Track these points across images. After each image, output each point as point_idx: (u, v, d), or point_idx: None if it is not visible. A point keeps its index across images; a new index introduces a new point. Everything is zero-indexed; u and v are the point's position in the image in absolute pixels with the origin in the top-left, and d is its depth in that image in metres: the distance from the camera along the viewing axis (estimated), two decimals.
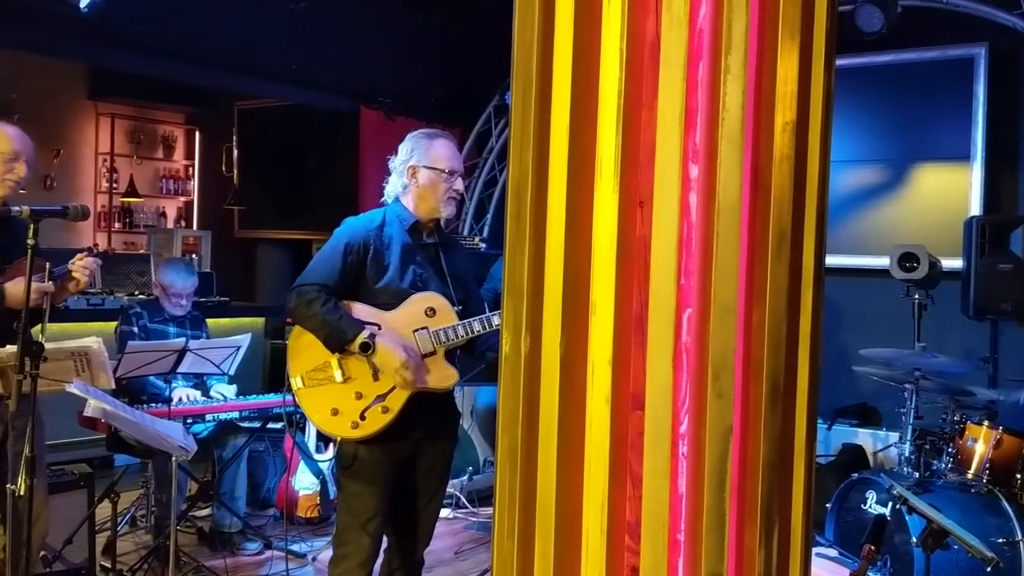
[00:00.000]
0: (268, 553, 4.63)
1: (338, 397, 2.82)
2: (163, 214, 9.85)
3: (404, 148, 3.02)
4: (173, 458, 3.12)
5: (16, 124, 3.45)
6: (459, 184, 2.99)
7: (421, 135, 3.03)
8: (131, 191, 9.11)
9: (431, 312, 2.90)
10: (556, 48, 1.43)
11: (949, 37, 5.81)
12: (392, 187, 3.03)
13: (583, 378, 1.43)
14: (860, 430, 5.87)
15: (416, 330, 2.87)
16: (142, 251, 8.57)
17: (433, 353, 2.88)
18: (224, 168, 9.02)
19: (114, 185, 9.28)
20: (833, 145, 5.71)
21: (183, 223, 9.92)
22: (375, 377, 2.83)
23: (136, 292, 6.68)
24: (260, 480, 5.36)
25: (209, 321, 5.04)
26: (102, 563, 4.19)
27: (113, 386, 2.94)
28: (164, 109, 9.66)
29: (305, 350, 2.85)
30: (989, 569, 2.84)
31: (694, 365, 1.38)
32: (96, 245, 8.43)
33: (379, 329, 2.82)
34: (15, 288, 2.94)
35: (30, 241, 2.57)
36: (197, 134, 9.88)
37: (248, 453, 4.88)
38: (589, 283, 1.43)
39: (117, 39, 5.84)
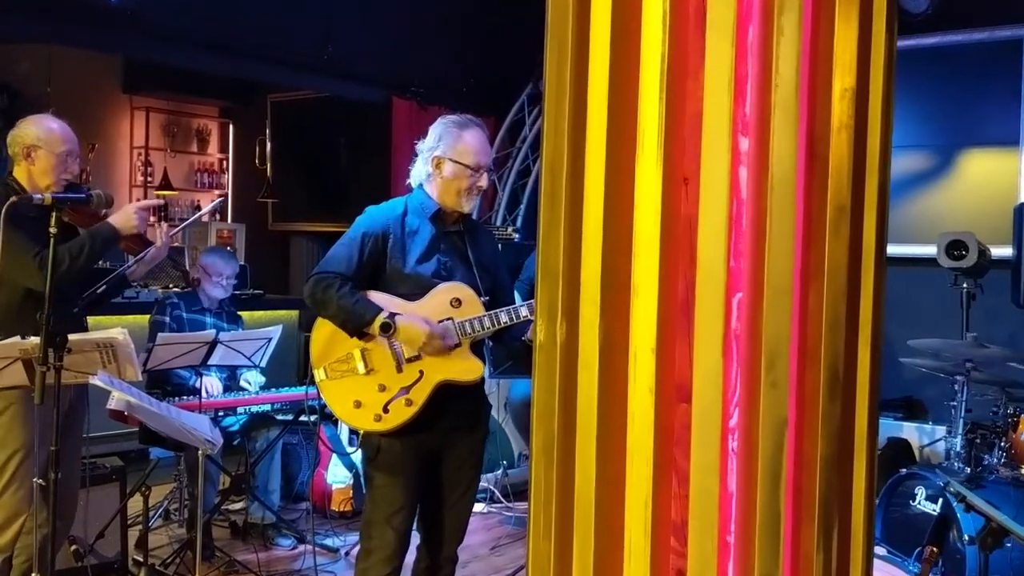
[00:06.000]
0: (301, 547, 4.58)
1: (361, 389, 2.75)
2: (198, 207, 9.85)
3: (433, 134, 2.92)
4: (200, 451, 3.06)
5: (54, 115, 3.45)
6: (484, 181, 2.89)
7: (451, 123, 2.93)
8: (165, 184, 9.12)
9: (456, 302, 2.81)
10: (593, 11, 1.33)
11: (997, 18, 5.62)
12: (417, 173, 2.94)
13: (624, 367, 1.33)
14: (905, 424, 5.72)
15: (441, 321, 2.79)
16: (177, 244, 8.57)
17: (458, 345, 2.80)
18: (257, 161, 9.01)
19: (149, 179, 9.30)
20: None
21: (218, 216, 9.92)
22: (399, 369, 2.75)
23: (171, 285, 6.68)
24: (294, 473, 5.31)
25: (244, 314, 5.00)
26: (135, 557, 4.16)
27: (140, 378, 2.89)
28: (198, 103, 9.65)
29: (328, 341, 2.78)
30: None
31: (745, 353, 1.28)
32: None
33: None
34: (122, 216, 3.17)
35: (52, 230, 2.52)
36: (231, 127, 9.88)
37: (282, 446, 4.83)
38: (630, 265, 1.33)
39: (149, 31, 5.82)
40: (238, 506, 4.95)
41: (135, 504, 4.27)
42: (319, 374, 2.79)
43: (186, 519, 4.63)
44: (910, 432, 5.67)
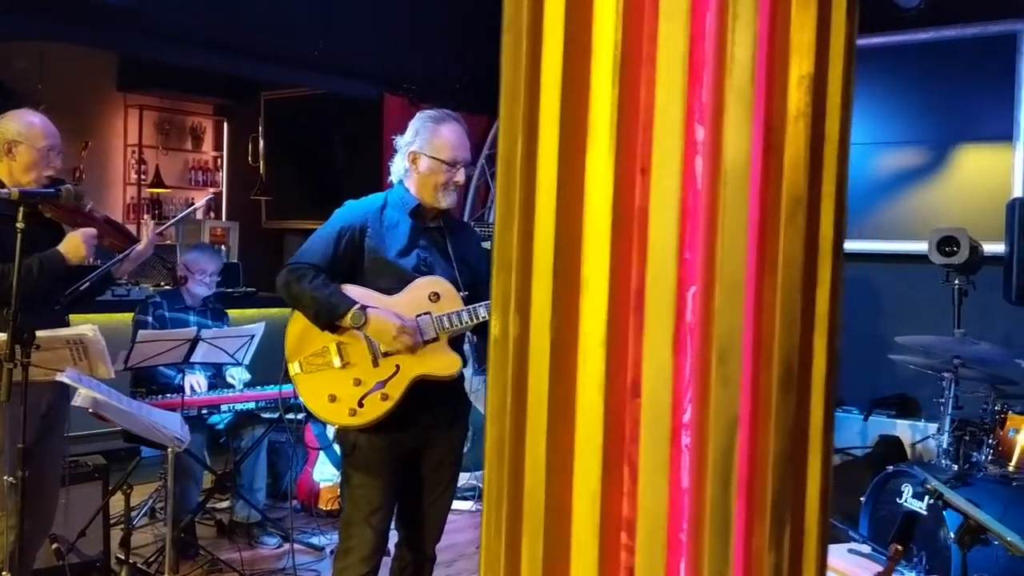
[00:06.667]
0: (286, 546, 4.55)
1: (336, 383, 2.73)
2: (192, 205, 9.83)
3: (411, 129, 2.90)
4: (169, 449, 3.04)
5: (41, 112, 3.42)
6: (460, 176, 2.87)
7: (428, 118, 2.91)
8: (157, 182, 9.09)
9: (435, 297, 2.79)
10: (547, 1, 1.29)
11: (990, 13, 5.59)
12: (396, 168, 2.93)
13: (575, 362, 1.30)
14: (898, 421, 5.69)
15: (419, 315, 2.76)
16: (169, 242, 8.55)
17: (436, 339, 2.77)
18: (250, 159, 8.99)
19: (143, 176, 9.28)
20: (871, 126, 5.56)
21: (212, 214, 9.90)
22: (375, 363, 2.73)
23: (162, 283, 6.65)
24: (282, 471, 5.29)
25: (235, 312, 4.98)
26: (117, 555, 4.13)
27: (113, 375, 2.87)
28: (193, 100, 9.63)
29: (303, 335, 2.76)
30: None
31: (698, 348, 1.24)
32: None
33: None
34: (70, 245, 3.10)
35: (19, 225, 2.50)
36: (226, 125, 9.86)
37: (270, 444, 4.81)
38: (581, 258, 1.29)
39: (144, 28, 5.80)
40: (224, 505, 4.93)
41: (121, 503, 4.24)
42: (294, 367, 2.77)
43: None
44: (903, 430, 5.64)
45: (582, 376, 1.30)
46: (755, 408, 1.26)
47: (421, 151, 2.85)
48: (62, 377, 2.65)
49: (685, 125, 1.25)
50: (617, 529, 1.28)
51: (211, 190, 9.90)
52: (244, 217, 9.10)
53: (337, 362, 2.74)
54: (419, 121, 2.90)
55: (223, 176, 9.88)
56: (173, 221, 4.06)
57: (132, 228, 9.26)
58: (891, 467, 3.85)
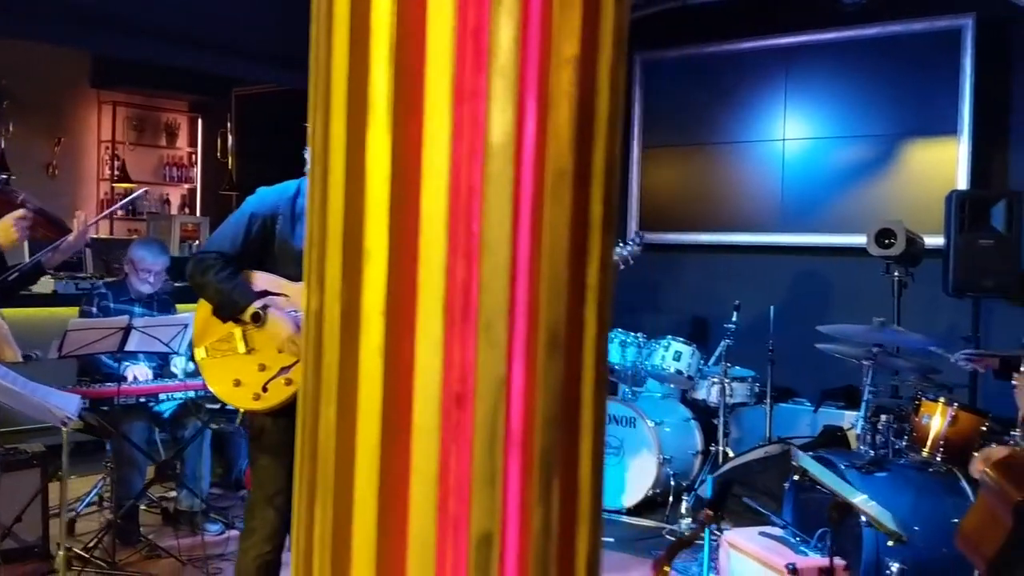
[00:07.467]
0: (228, 534, 4.62)
1: (241, 368, 2.79)
2: (167, 201, 9.90)
3: None
4: (64, 431, 3.11)
5: (6, 110, 3.49)
6: None
7: None
8: (123, 177, 9.13)
9: None
10: None
11: (936, 8, 5.65)
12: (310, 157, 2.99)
13: (359, 331, 1.37)
14: (846, 412, 5.74)
15: None
16: (135, 237, 8.62)
17: None
18: (219, 155, 9.06)
19: (116, 173, 9.35)
20: (818, 121, 5.62)
21: (187, 210, 9.97)
22: (280, 349, 2.80)
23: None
24: (232, 460, 5.36)
25: (192, 305, 5.03)
26: (58, 542, 4.20)
27: (20, 359, 2.94)
28: (167, 97, 9.70)
29: (210, 320, 2.83)
30: (891, 543, 2.74)
31: (466, 314, 1.31)
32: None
33: (285, 299, 2.79)
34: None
35: None
36: (200, 121, 9.92)
37: (220, 434, 4.87)
38: (363, 231, 1.36)
39: (117, 25, 5.86)
40: (173, 494, 5.00)
41: (70, 492, 4.32)
42: (200, 352, 2.84)
43: (114, 505, 4.67)
44: (850, 420, 5.70)
45: (364, 345, 1.37)
46: (521, 371, 1.33)
47: None
48: None
49: (452, 104, 1.32)
50: (396, 489, 1.35)
51: (185, 186, 9.98)
52: (216, 212, 9.16)
53: (242, 348, 2.81)
54: None
55: (198, 172, 9.95)
56: (104, 214, 4.14)
57: (105, 223, 9.35)
58: (810, 453, 3.91)
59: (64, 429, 3.08)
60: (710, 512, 2.32)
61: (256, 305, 2.74)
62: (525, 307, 1.33)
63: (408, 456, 1.35)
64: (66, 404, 3.10)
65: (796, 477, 3.20)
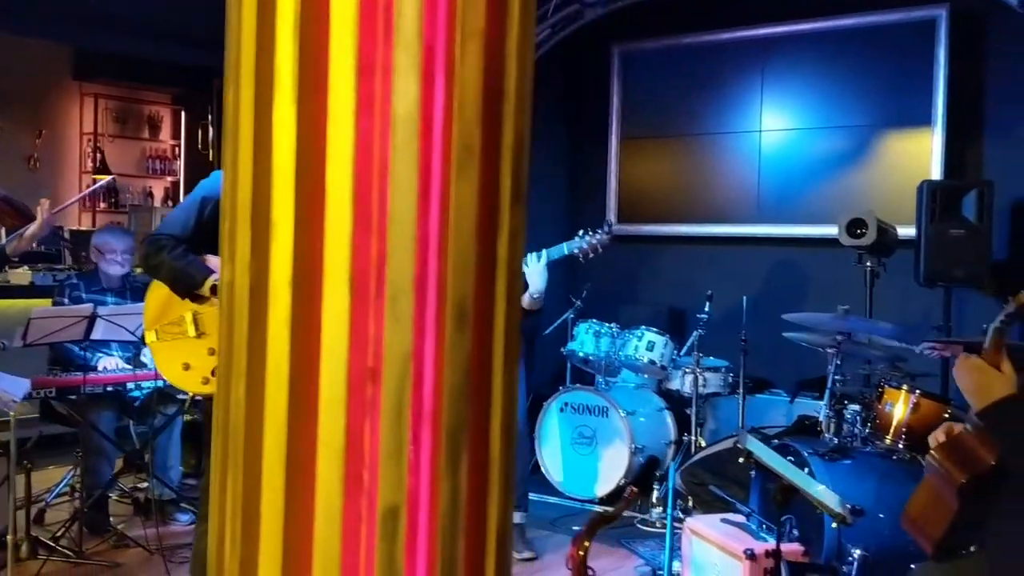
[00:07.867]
0: None
1: (191, 352, 2.79)
2: (150, 194, 9.88)
3: None
4: (11, 415, 3.11)
5: None
6: None
7: None
8: (104, 169, 9.10)
9: None
10: None
11: None
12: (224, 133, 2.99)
13: (267, 304, 1.37)
14: (821, 403, 5.75)
15: None
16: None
17: None
18: (200, 146, 9.04)
19: (98, 165, 9.32)
20: (795, 112, 5.65)
21: (170, 203, 9.94)
22: None
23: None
24: (205, 449, 5.35)
25: None
26: (26, 531, 4.20)
27: None
28: (150, 89, 9.68)
29: (162, 304, 2.83)
30: (835, 525, 2.75)
31: (372, 288, 1.31)
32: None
33: None
34: None
35: None
36: (183, 114, 9.90)
37: (193, 423, 4.87)
38: (271, 204, 1.36)
39: (99, 18, 5.84)
40: (145, 484, 4.99)
41: (41, 483, 4.34)
42: (151, 336, 2.84)
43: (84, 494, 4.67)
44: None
45: (272, 317, 1.37)
46: (428, 345, 1.33)
47: None
48: None
49: (357, 78, 1.32)
50: (303, 462, 1.36)
51: (169, 179, 9.95)
52: None
53: (192, 331, 2.81)
54: None
55: (181, 164, 9.92)
56: (69, 203, 4.12)
57: (87, 215, 9.34)
58: (776, 441, 3.93)
59: (11, 414, 3.08)
60: (635, 489, 2.33)
61: (213, 278, 2.75)
62: (435, 281, 1.33)
63: (315, 429, 1.36)
64: (14, 388, 3.10)
65: (740, 460, 3.21)
